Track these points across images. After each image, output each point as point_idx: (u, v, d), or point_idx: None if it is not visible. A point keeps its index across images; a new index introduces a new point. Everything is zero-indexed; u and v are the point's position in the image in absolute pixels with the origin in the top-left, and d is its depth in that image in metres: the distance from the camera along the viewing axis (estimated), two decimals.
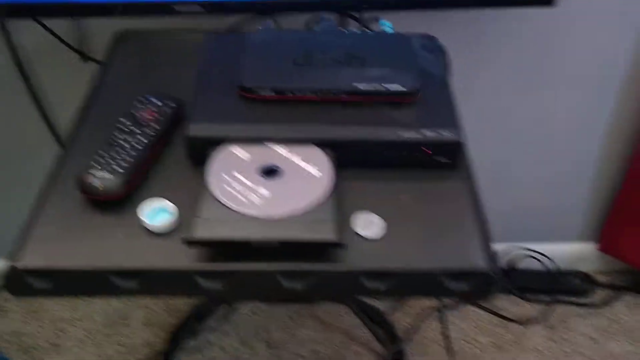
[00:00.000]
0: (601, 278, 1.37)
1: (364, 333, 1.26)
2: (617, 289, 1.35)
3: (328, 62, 0.67)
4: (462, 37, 0.99)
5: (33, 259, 0.54)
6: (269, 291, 0.55)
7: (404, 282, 0.54)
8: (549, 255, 1.31)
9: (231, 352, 1.23)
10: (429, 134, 0.62)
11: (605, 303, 1.33)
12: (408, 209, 0.59)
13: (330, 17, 0.79)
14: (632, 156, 1.18)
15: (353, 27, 0.88)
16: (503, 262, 1.33)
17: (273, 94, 0.64)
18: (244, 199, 0.57)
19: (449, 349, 1.20)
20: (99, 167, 0.59)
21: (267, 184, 0.59)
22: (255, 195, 0.57)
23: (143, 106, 0.65)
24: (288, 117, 0.63)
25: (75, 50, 0.93)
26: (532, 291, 1.32)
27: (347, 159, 0.62)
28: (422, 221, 0.58)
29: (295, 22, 0.82)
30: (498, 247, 1.34)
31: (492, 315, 1.30)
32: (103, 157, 0.59)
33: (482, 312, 1.31)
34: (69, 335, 1.26)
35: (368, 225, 0.57)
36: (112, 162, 0.59)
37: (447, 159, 0.63)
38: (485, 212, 0.60)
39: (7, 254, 0.55)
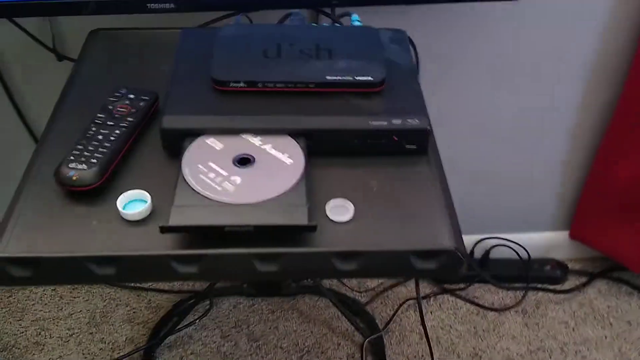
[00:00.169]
0: (574, 265, 1.41)
1: (343, 324, 1.28)
2: (590, 276, 1.39)
3: (298, 54, 0.69)
4: (433, 32, 1.02)
5: (12, 248, 0.55)
6: (244, 274, 0.57)
7: (373, 262, 0.57)
8: (523, 245, 1.34)
9: (213, 347, 1.24)
10: (397, 122, 0.64)
11: (578, 289, 1.36)
12: (378, 193, 0.62)
13: (300, 12, 0.81)
14: (597, 147, 1.22)
15: (325, 22, 0.90)
16: (479, 252, 1.36)
17: (245, 85, 0.66)
18: (218, 187, 0.59)
19: (427, 338, 1.22)
20: (74, 159, 0.60)
21: (240, 173, 0.60)
22: (229, 183, 0.59)
23: (117, 100, 0.67)
24: (260, 108, 0.65)
25: (50, 50, 0.94)
26: (507, 279, 1.36)
27: (318, 147, 0.64)
28: (392, 205, 0.60)
29: (267, 18, 0.84)
30: (474, 238, 1.38)
31: (468, 303, 1.33)
32: (78, 150, 0.61)
33: (459, 301, 1.34)
34: (52, 334, 1.26)
35: (339, 209, 0.59)
36: (87, 154, 0.60)
37: (414, 145, 0.65)
38: (451, 195, 0.62)
39: None
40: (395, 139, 0.64)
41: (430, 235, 0.57)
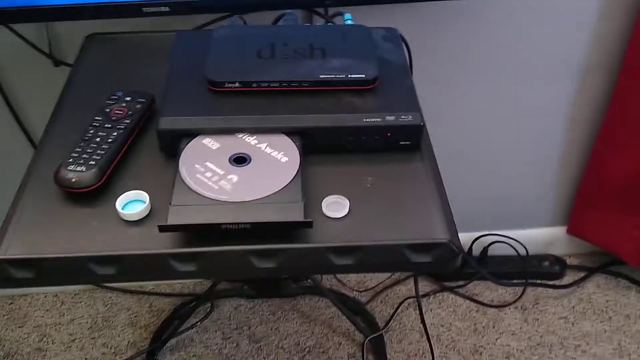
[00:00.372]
0: (572, 260, 1.41)
1: (344, 324, 1.29)
2: (588, 270, 1.39)
3: (292, 54, 0.70)
4: (426, 30, 1.03)
5: (13, 250, 0.56)
6: (242, 271, 0.57)
7: (369, 257, 0.57)
8: (521, 241, 1.35)
9: (214, 348, 1.25)
10: (390, 118, 0.65)
11: (577, 284, 1.37)
12: (372, 189, 0.62)
13: (294, 13, 0.82)
14: (593, 141, 1.23)
15: (318, 22, 0.91)
16: (477, 249, 1.37)
17: (240, 86, 0.67)
18: (215, 186, 0.59)
19: (427, 335, 1.23)
20: (74, 162, 0.61)
21: (237, 171, 0.61)
22: (226, 182, 0.60)
23: (114, 102, 0.68)
24: (255, 108, 0.66)
25: (47, 55, 0.95)
26: (506, 276, 1.36)
27: (313, 145, 0.65)
28: (386, 200, 0.61)
29: (261, 20, 0.85)
30: (472, 235, 1.38)
31: (468, 301, 1.34)
32: (77, 152, 0.62)
33: (458, 298, 1.34)
34: (54, 340, 1.27)
35: (335, 206, 0.60)
36: (86, 156, 0.61)
37: (408, 141, 0.66)
38: (445, 189, 0.63)
39: None
40: (389, 135, 0.65)
41: (424, 229, 0.58)
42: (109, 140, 0.64)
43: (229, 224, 0.56)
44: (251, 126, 0.65)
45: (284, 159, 0.62)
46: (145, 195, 0.60)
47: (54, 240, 0.57)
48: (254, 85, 0.67)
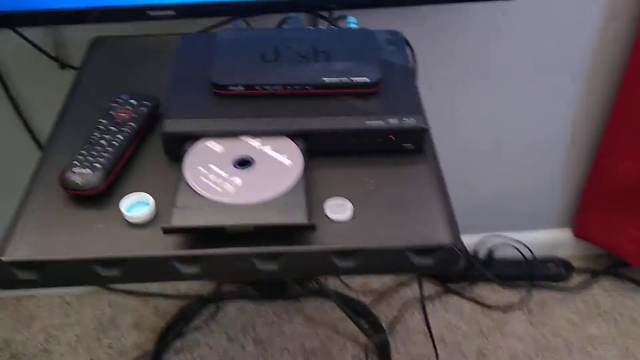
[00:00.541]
0: (578, 263, 1.41)
1: (349, 326, 1.29)
2: (594, 273, 1.39)
3: (295, 57, 0.70)
4: (431, 33, 1.03)
5: (19, 251, 0.56)
6: (245, 273, 0.58)
7: (372, 260, 0.57)
8: (526, 243, 1.35)
9: (219, 350, 1.25)
10: (394, 121, 0.65)
11: (583, 287, 1.37)
12: (375, 192, 0.63)
13: (298, 16, 0.82)
14: (599, 143, 1.22)
15: (322, 25, 0.91)
16: (482, 251, 1.37)
17: (243, 89, 0.67)
18: (219, 189, 0.60)
19: (432, 338, 1.23)
20: (79, 164, 0.61)
21: (240, 174, 0.62)
22: (229, 185, 0.60)
23: (119, 106, 0.68)
24: (259, 111, 0.66)
25: (53, 58, 0.96)
26: (511, 278, 1.36)
27: (316, 148, 0.65)
28: (389, 203, 0.61)
29: (265, 23, 0.86)
30: (477, 237, 1.38)
31: (473, 303, 1.34)
32: (82, 155, 0.62)
33: (463, 300, 1.34)
34: (60, 341, 1.28)
35: (338, 208, 0.60)
36: (91, 159, 0.62)
37: (411, 144, 0.66)
38: (448, 192, 0.63)
39: None
40: (392, 138, 0.65)
41: (427, 232, 0.58)
42: (114, 143, 0.64)
43: (233, 226, 0.56)
44: (255, 129, 0.65)
45: (288, 162, 0.62)
46: (149, 198, 0.60)
47: (58, 243, 0.57)
48: (258, 88, 0.67)
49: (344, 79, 0.67)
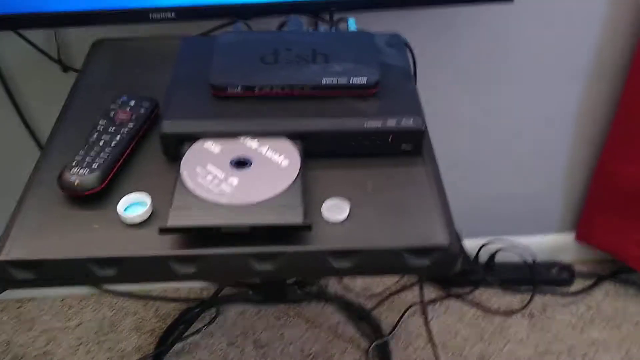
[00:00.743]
0: (580, 267, 1.40)
1: (349, 330, 1.29)
2: (596, 278, 1.38)
3: (294, 59, 0.70)
4: (431, 35, 1.03)
5: (15, 251, 0.56)
6: (241, 273, 0.58)
7: (368, 260, 0.57)
8: (529, 248, 1.34)
9: (219, 354, 1.25)
10: (392, 122, 0.65)
11: (585, 292, 1.36)
12: (373, 193, 0.62)
13: (298, 19, 0.83)
14: (602, 146, 1.22)
15: (322, 28, 0.92)
16: (484, 255, 1.36)
17: (242, 91, 0.67)
18: (215, 189, 0.60)
19: (432, 342, 1.22)
20: (76, 165, 0.61)
21: (238, 175, 0.62)
22: (226, 185, 0.60)
23: (119, 107, 0.69)
24: (257, 112, 0.66)
25: (55, 61, 0.96)
26: (513, 283, 1.36)
27: (314, 149, 0.65)
28: (387, 204, 0.61)
29: (266, 26, 0.86)
30: (479, 241, 1.38)
31: (474, 308, 1.33)
32: (80, 155, 0.62)
33: (465, 305, 1.34)
34: (61, 344, 1.28)
35: (335, 209, 0.60)
36: (89, 160, 0.62)
37: (410, 146, 0.66)
38: (446, 194, 0.63)
39: None
40: (390, 139, 0.65)
41: (423, 233, 0.58)
42: (112, 144, 0.64)
43: (229, 226, 0.56)
44: (252, 130, 0.65)
45: (285, 163, 0.62)
46: (147, 198, 0.60)
47: (55, 242, 0.57)
48: (256, 89, 0.67)
49: (343, 81, 0.67)
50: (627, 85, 1.11)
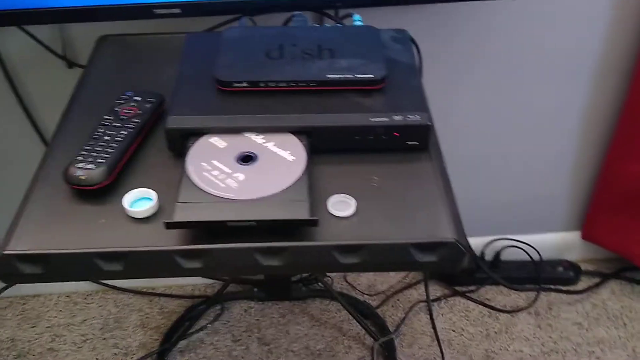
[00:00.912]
0: (586, 266, 1.40)
1: (354, 327, 1.28)
2: (602, 276, 1.38)
3: (300, 54, 0.70)
4: (437, 31, 1.03)
5: (22, 245, 0.56)
6: (247, 268, 0.57)
7: (374, 256, 0.57)
8: (534, 246, 1.34)
9: (224, 351, 1.25)
10: (398, 118, 0.65)
11: (591, 290, 1.35)
12: (379, 189, 0.62)
13: (304, 15, 0.82)
14: (608, 145, 1.22)
15: (328, 23, 0.91)
16: (490, 253, 1.36)
17: (247, 85, 0.67)
18: (221, 184, 0.60)
19: (438, 340, 1.22)
20: (82, 159, 0.61)
21: (243, 170, 0.61)
22: (232, 180, 0.60)
23: (124, 102, 0.69)
24: (263, 107, 0.66)
25: (60, 57, 0.96)
26: (518, 281, 1.35)
27: (320, 144, 0.65)
28: (393, 199, 0.61)
29: (270, 21, 0.86)
30: (485, 239, 1.37)
31: (480, 305, 1.33)
32: (86, 150, 0.62)
33: (470, 303, 1.33)
34: (66, 340, 1.28)
35: (341, 205, 0.60)
36: (95, 154, 0.62)
37: (416, 141, 0.66)
38: (452, 189, 0.63)
39: None
40: (396, 135, 0.65)
41: (430, 228, 0.58)
42: (118, 138, 0.64)
43: (235, 221, 0.56)
44: (258, 125, 0.65)
45: (291, 158, 0.62)
46: (152, 193, 0.60)
47: (61, 236, 0.57)
48: (262, 85, 0.67)
49: (349, 76, 0.67)
50: (633, 84, 1.10)
